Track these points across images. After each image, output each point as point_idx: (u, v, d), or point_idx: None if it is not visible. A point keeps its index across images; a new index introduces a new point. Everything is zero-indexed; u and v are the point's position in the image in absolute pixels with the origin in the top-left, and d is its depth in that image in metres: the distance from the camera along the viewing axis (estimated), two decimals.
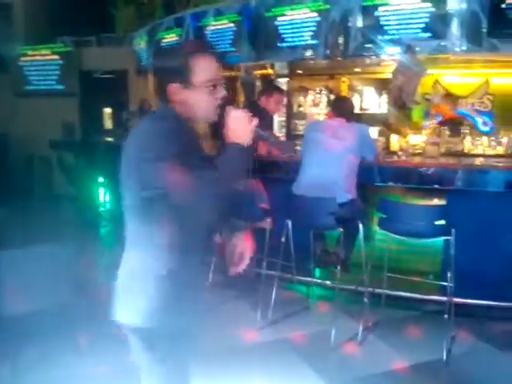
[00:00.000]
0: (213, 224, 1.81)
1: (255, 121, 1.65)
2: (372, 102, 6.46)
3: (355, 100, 6.23)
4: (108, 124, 8.61)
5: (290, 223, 3.85)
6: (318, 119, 6.28)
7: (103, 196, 7.26)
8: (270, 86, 5.06)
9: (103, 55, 8.68)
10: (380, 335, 3.65)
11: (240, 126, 1.64)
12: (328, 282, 4.24)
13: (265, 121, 4.50)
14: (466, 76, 6.21)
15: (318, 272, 4.44)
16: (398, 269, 4.03)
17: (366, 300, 3.70)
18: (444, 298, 3.53)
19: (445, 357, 3.28)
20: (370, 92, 6.47)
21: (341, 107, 4.05)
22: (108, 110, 8.61)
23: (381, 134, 5.78)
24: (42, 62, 9.26)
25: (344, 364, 3.33)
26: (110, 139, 7.12)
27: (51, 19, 9.38)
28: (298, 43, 5.36)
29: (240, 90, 6.66)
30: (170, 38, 6.61)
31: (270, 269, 3.95)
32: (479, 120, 6.19)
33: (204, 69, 1.66)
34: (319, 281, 4.35)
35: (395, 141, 5.57)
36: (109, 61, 8.51)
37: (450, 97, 6.22)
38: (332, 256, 4.02)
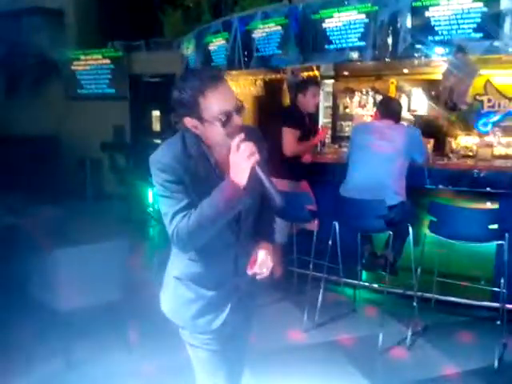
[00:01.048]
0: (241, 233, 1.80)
1: (256, 157, 1.52)
2: (420, 103, 6.35)
3: (403, 101, 6.14)
4: (156, 126, 8.81)
5: (337, 225, 3.84)
6: (365, 121, 6.22)
7: (152, 196, 7.44)
8: (302, 82, 5.01)
9: (152, 59, 8.88)
10: (429, 340, 3.60)
11: (239, 161, 1.53)
12: (376, 285, 4.20)
13: (304, 127, 4.48)
14: None
15: (365, 275, 4.41)
16: (448, 273, 3.97)
17: (415, 304, 3.64)
18: (496, 305, 3.44)
19: (496, 364, 3.21)
20: (418, 93, 6.35)
21: (388, 108, 4.01)
22: (157, 113, 8.80)
23: (430, 135, 5.66)
24: (93, 66, 9.56)
25: (392, 368, 3.30)
26: (158, 141, 7.29)
27: (102, 24, 9.72)
28: (345, 45, 5.33)
29: (286, 93, 6.68)
30: (218, 41, 6.69)
31: (316, 271, 3.95)
32: None
33: (214, 103, 1.56)
34: (367, 284, 4.33)
35: (446, 143, 5.45)
36: (157, 65, 8.69)
37: (503, 97, 6.05)
38: (380, 259, 3.98)
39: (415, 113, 6.25)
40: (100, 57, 9.49)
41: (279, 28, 5.86)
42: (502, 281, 3.39)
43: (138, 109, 9.07)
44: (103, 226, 5.98)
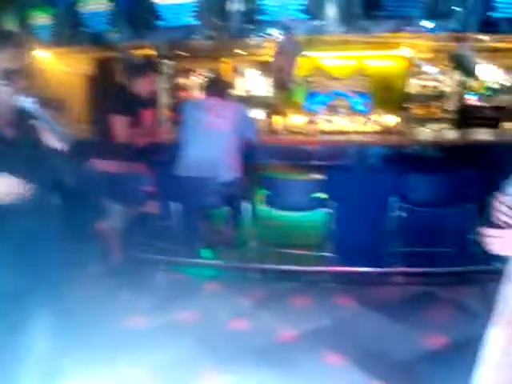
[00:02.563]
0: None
1: None
2: (256, 84, 6.53)
3: (240, 83, 6.27)
4: None
5: (174, 205, 3.78)
6: (196, 99, 6.19)
7: None
8: (139, 66, 4.80)
9: None
10: (268, 308, 3.71)
11: None
12: (216, 262, 4.24)
13: (135, 112, 4.24)
14: (343, 58, 6.51)
15: (206, 252, 4.42)
16: (285, 244, 4.14)
17: (253, 276, 3.75)
18: (325, 268, 3.69)
19: (329, 322, 3.43)
20: (253, 74, 6.52)
21: (214, 87, 4.03)
22: None
23: (265, 115, 5.87)
24: None
25: (234, 340, 3.34)
26: None
27: None
28: (177, 23, 5.24)
29: (122, 74, 6.39)
30: (42, 16, 6.14)
31: (158, 254, 3.86)
32: (358, 101, 6.54)
33: None
34: (206, 261, 4.34)
35: (278, 121, 5.68)
36: None
37: (330, 78, 6.49)
38: (219, 235, 4.03)
39: (251, 93, 6.42)
40: None
41: (108, 3, 5.56)
42: (329, 245, 3.64)
43: None
44: None
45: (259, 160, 4.28)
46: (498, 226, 1.53)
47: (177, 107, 6.69)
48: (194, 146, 3.82)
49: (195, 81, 6.70)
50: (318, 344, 3.22)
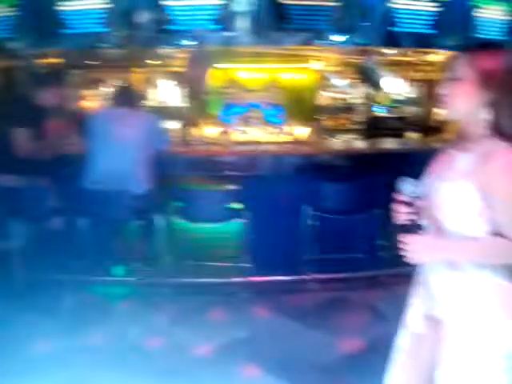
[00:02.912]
0: None
1: None
2: (170, 94, 6.42)
3: (153, 93, 6.14)
4: None
5: (82, 220, 3.59)
6: (104, 109, 5.98)
7: None
8: (44, 76, 4.55)
9: None
10: (184, 324, 3.61)
11: None
12: (128, 279, 4.06)
13: (39, 125, 4.01)
14: (257, 70, 6.60)
15: (118, 269, 4.23)
16: (201, 256, 4.06)
17: (168, 291, 3.64)
18: (241, 279, 3.65)
19: (246, 334, 3.39)
20: (167, 85, 6.41)
21: (123, 96, 3.91)
22: None
23: (179, 126, 5.78)
24: None
25: (148, 359, 3.21)
26: None
27: None
28: (85, 30, 5.04)
29: (22, 82, 6.02)
30: None
31: (64, 272, 3.64)
32: (271, 112, 6.63)
33: None
34: (118, 279, 4.15)
35: (192, 132, 5.60)
36: None
37: (245, 90, 6.54)
38: (131, 250, 3.88)
39: (164, 103, 6.30)
40: None
41: (10, 8, 5.24)
42: (246, 256, 3.62)
43: None
44: None
45: (172, 171, 4.18)
46: (407, 230, 1.56)
47: (84, 118, 6.43)
48: (102, 157, 3.66)
49: (104, 91, 6.47)
50: (234, 357, 3.17)
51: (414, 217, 1.54)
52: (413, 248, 1.51)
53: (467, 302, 1.52)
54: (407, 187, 1.54)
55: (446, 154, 1.63)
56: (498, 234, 1.45)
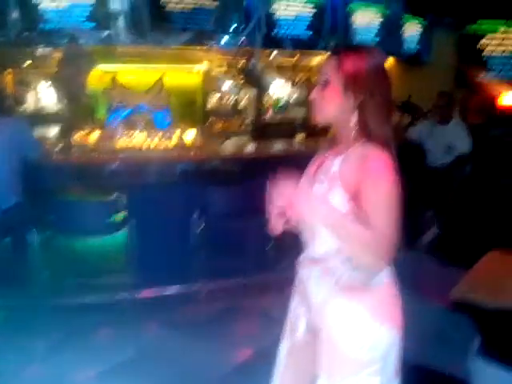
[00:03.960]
0: None
1: None
2: (46, 98, 5.96)
3: (28, 96, 5.66)
4: None
5: None
6: None
7: None
8: None
9: None
10: (66, 348, 3.31)
11: None
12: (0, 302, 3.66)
13: None
14: (143, 72, 6.35)
15: None
16: (83, 273, 3.77)
17: (47, 313, 3.31)
18: (129, 295, 3.44)
19: (134, 353, 3.19)
20: (43, 87, 5.94)
21: None
22: None
23: (57, 131, 5.37)
24: None
25: None
26: None
27: None
28: None
29: None
30: None
31: None
32: (158, 115, 6.41)
33: None
34: None
35: (73, 138, 5.22)
36: None
37: (130, 93, 6.27)
38: (2, 271, 3.48)
39: (40, 107, 5.83)
40: None
41: None
42: (131, 269, 3.41)
43: None
44: None
45: (49, 182, 3.83)
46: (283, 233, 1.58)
47: None
48: None
49: None
50: (122, 378, 2.96)
51: (287, 221, 1.56)
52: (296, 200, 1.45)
53: (340, 308, 1.52)
54: (278, 192, 1.53)
55: (321, 157, 1.64)
56: None
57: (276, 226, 1.59)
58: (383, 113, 1.48)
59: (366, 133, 1.47)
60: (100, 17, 4.44)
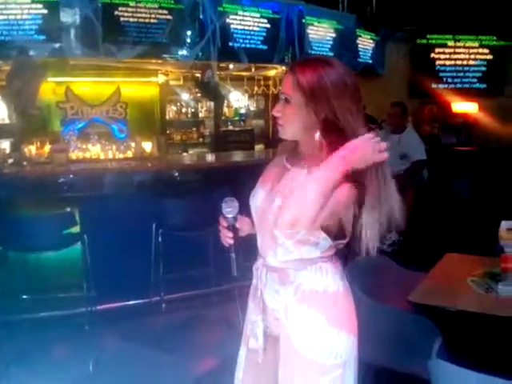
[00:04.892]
0: None
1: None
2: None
3: None
4: None
5: None
6: None
7: None
8: None
9: None
10: (20, 366, 3.16)
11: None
12: None
13: None
14: (98, 84, 6.29)
15: None
16: (37, 289, 3.63)
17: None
18: (86, 309, 3.34)
19: (93, 368, 3.09)
20: None
21: None
22: None
23: (8, 144, 5.22)
24: None
25: None
26: None
27: None
28: None
29: None
30: None
31: None
32: (115, 127, 6.34)
33: None
34: None
35: (24, 151, 5.07)
36: None
37: (85, 105, 6.18)
38: None
39: None
40: None
41: None
42: (87, 284, 3.31)
43: None
44: None
45: None
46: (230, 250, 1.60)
47: None
48: None
49: None
50: None
51: (234, 238, 1.59)
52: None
53: (298, 316, 1.51)
54: (228, 209, 1.58)
55: (279, 167, 1.59)
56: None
57: (226, 238, 1.60)
58: (350, 123, 1.40)
59: (327, 146, 1.43)
60: (51, 29, 4.35)
